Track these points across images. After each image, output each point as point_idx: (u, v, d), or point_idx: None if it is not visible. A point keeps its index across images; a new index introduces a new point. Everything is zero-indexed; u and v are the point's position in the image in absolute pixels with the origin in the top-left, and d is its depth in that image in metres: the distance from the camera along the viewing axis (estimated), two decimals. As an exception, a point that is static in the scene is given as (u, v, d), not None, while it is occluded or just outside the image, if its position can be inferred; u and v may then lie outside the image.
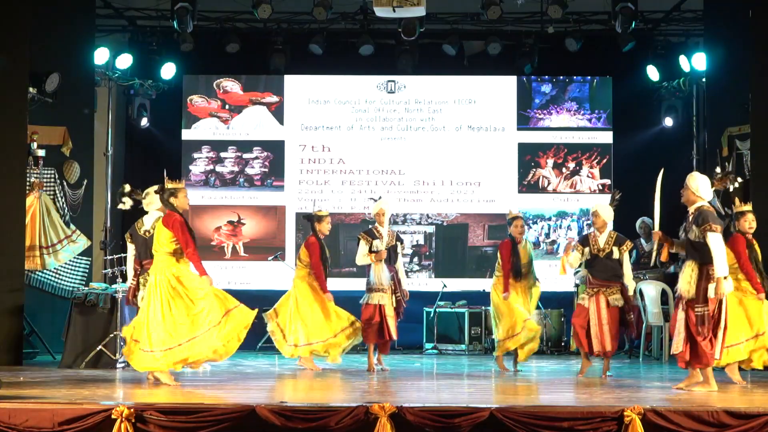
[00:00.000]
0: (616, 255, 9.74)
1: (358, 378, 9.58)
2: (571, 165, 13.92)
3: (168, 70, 13.81)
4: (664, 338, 11.33)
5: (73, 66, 12.07)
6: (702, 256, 8.28)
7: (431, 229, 13.95)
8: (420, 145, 13.95)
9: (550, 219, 13.85)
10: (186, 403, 7.18)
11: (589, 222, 12.49)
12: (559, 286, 12.72)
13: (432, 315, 12.78)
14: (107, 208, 13.44)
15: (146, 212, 9.76)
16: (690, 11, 13.28)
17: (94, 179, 12.55)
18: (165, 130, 14.13)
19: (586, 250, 9.82)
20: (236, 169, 13.97)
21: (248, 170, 13.97)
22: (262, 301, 13.08)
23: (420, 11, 11.01)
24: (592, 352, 9.71)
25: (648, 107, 14.00)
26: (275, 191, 13.95)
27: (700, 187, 8.46)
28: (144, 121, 13.99)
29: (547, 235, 13.76)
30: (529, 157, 13.94)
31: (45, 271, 11.88)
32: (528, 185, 13.91)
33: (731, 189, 9.12)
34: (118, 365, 10.17)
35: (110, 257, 11.33)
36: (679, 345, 8.36)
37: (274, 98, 14.03)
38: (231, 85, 14.04)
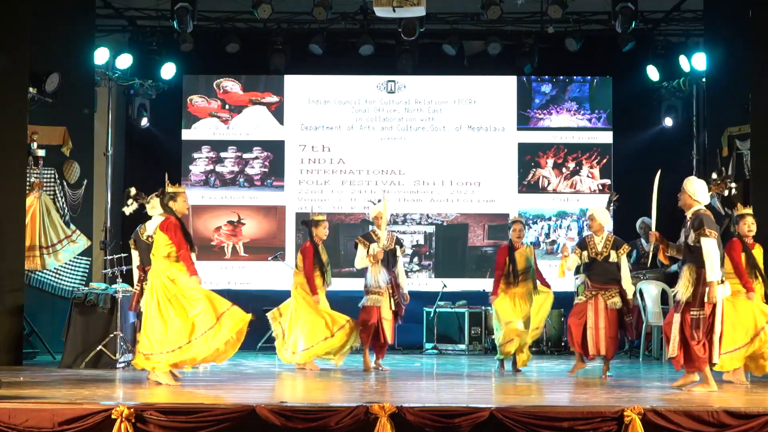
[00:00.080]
0: (613, 258, 9.75)
1: (358, 378, 9.58)
2: (571, 165, 13.92)
3: (168, 70, 13.81)
4: (664, 339, 11.32)
5: (73, 66, 12.07)
6: (699, 260, 8.30)
7: (431, 229, 13.95)
8: (420, 145, 13.95)
9: (550, 219, 13.85)
10: (186, 403, 7.18)
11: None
12: (559, 287, 12.69)
13: (432, 315, 12.78)
14: (107, 208, 13.45)
15: (150, 217, 9.78)
16: (690, 11, 13.28)
17: (94, 179, 12.55)
18: (165, 130, 14.12)
19: (584, 253, 9.83)
20: (236, 169, 13.97)
21: (248, 170, 13.97)
22: (262, 301, 13.12)
23: (420, 11, 11.01)
24: (587, 354, 9.71)
25: (648, 107, 14.00)
26: (275, 191, 13.95)
27: (697, 191, 8.48)
28: (144, 121, 13.99)
29: (547, 235, 13.76)
30: (529, 157, 13.94)
31: (45, 271, 11.88)
32: (528, 185, 13.91)
33: (726, 194, 9.11)
34: (118, 365, 10.18)
35: (110, 257, 11.32)
36: (674, 349, 8.39)
37: (274, 98, 14.03)
38: (231, 85, 14.04)
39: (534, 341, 11.13)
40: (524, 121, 13.95)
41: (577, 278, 11.39)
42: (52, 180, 12.00)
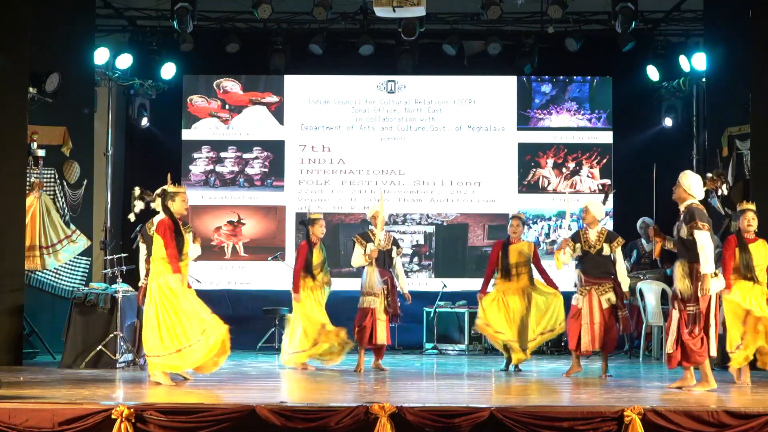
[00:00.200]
0: (607, 251, 9.76)
1: (358, 378, 9.57)
2: (571, 165, 13.92)
3: (168, 70, 13.81)
4: (664, 338, 11.33)
5: (73, 66, 12.07)
6: (691, 254, 8.32)
7: (431, 229, 13.95)
8: (420, 145, 13.95)
9: (550, 219, 13.85)
10: (186, 403, 7.18)
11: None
12: (559, 287, 12.70)
13: (432, 315, 12.78)
14: (107, 208, 13.45)
15: (157, 213, 9.79)
16: (690, 11, 13.28)
17: (94, 179, 12.55)
18: (165, 130, 14.12)
19: (577, 246, 9.83)
20: (236, 169, 13.97)
21: (248, 170, 13.97)
22: (262, 301, 13.16)
23: (420, 11, 11.01)
24: (580, 352, 9.70)
25: (648, 107, 13.99)
26: (275, 191, 13.95)
27: (692, 185, 8.49)
28: (144, 121, 13.99)
29: (547, 235, 13.75)
30: (529, 157, 13.94)
31: (45, 271, 11.88)
32: (528, 185, 13.91)
33: (720, 193, 9.10)
34: (118, 365, 10.18)
35: (110, 257, 11.33)
36: (670, 345, 8.40)
37: (274, 98, 14.03)
38: (231, 85, 14.04)
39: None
40: (524, 121, 13.95)
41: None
42: (52, 180, 12.00)
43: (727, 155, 11.96)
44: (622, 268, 9.82)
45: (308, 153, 13.98)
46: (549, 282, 10.40)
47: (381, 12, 10.90)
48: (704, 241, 8.25)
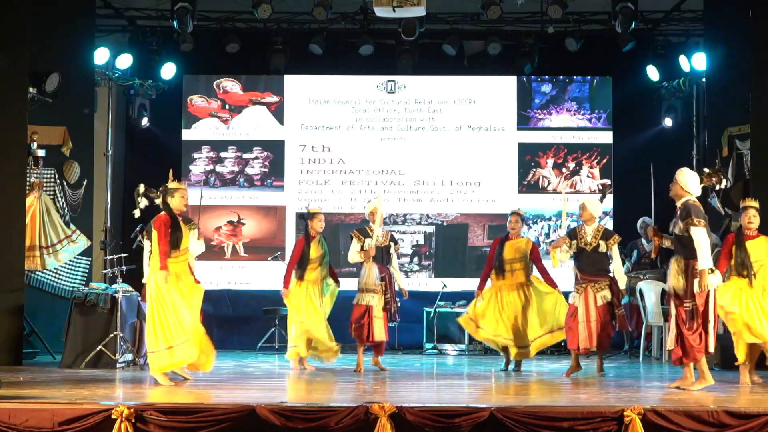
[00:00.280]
0: (603, 249, 9.75)
1: (357, 378, 9.57)
2: (571, 165, 13.92)
3: (168, 70, 13.82)
4: (664, 338, 11.33)
5: (73, 66, 12.07)
6: (687, 251, 8.33)
7: (431, 229, 13.95)
8: (420, 145, 13.95)
9: (550, 219, 13.85)
10: (186, 403, 7.18)
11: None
12: (561, 286, 12.70)
13: (432, 315, 12.78)
14: (107, 208, 13.45)
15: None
16: (690, 11, 13.28)
17: (94, 179, 12.56)
18: (165, 130, 14.13)
19: (573, 243, 9.83)
20: (236, 169, 13.97)
21: (248, 170, 13.97)
22: (262, 301, 13.16)
23: (420, 11, 11.01)
24: (578, 349, 9.70)
25: (648, 107, 14.00)
26: (275, 191, 13.95)
27: (688, 182, 8.50)
28: (144, 121, 13.99)
29: (547, 235, 13.75)
30: (529, 157, 13.94)
31: (45, 271, 11.89)
32: (528, 185, 13.92)
33: (718, 187, 9.10)
34: (118, 365, 10.18)
35: (110, 257, 11.33)
36: (672, 341, 8.42)
37: (274, 98, 14.03)
38: (231, 85, 14.04)
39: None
40: (524, 121, 13.96)
41: None
42: (52, 180, 12.01)
43: (727, 155, 11.97)
44: (618, 265, 9.82)
45: (308, 153, 13.98)
46: (548, 280, 10.36)
47: (381, 12, 10.91)
48: (700, 237, 8.26)
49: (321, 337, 10.35)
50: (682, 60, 13.38)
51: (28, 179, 11.37)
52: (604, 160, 13.88)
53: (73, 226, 12.14)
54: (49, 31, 11.60)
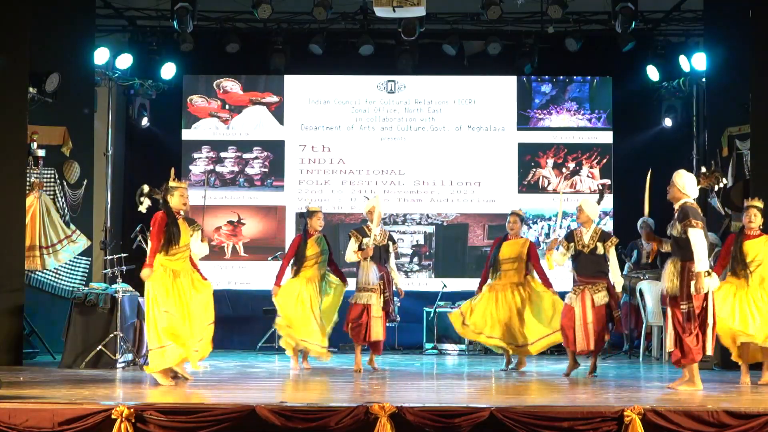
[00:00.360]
0: (600, 251, 9.75)
1: (358, 378, 9.57)
2: (571, 165, 13.92)
3: (168, 70, 13.82)
4: (664, 338, 11.33)
5: (73, 66, 12.07)
6: (684, 253, 8.34)
7: (431, 229, 13.95)
8: (420, 145, 13.95)
9: (550, 219, 13.85)
10: (186, 403, 7.18)
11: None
12: (558, 287, 12.70)
13: (432, 315, 12.78)
14: (107, 208, 13.45)
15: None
16: (690, 11, 13.28)
17: (94, 179, 12.56)
18: (165, 130, 14.13)
19: (571, 245, 9.83)
20: (236, 169, 13.97)
21: (248, 170, 13.97)
22: (262, 301, 13.14)
23: (420, 11, 11.01)
24: (575, 349, 9.69)
25: (648, 107, 14.00)
26: (275, 191, 13.95)
27: (686, 185, 8.51)
28: (144, 121, 13.99)
29: (547, 235, 13.74)
30: (529, 157, 13.94)
31: (45, 271, 11.89)
32: (528, 185, 13.92)
33: (716, 188, 9.11)
34: (118, 365, 10.18)
35: (110, 257, 11.33)
36: (671, 343, 8.43)
37: (274, 98, 14.03)
38: (231, 85, 14.04)
39: None
40: (524, 121, 13.96)
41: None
42: (52, 180, 12.01)
43: (727, 155, 11.97)
44: (615, 266, 9.80)
45: (308, 153, 13.98)
46: (544, 281, 10.36)
47: (381, 12, 10.91)
48: (697, 239, 8.27)
49: (303, 337, 10.31)
50: (682, 60, 13.37)
51: (28, 179, 11.37)
52: (604, 160, 13.88)
53: (73, 226, 12.14)
54: (49, 31, 11.60)
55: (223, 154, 13.98)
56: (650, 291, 11.69)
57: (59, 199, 12.03)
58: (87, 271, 12.25)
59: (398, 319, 11.35)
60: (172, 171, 9.10)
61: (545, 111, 13.97)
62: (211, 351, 9.09)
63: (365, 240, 10.28)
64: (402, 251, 13.61)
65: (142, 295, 9.76)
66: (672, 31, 13.89)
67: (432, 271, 13.91)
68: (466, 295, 12.95)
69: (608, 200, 13.73)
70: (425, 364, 11.34)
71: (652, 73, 13.66)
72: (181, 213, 8.98)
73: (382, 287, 10.24)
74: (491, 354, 11.99)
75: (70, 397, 7.48)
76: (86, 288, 10.93)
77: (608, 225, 13.69)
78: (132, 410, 6.72)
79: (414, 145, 13.95)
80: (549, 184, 13.91)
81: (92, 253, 12.47)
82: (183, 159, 13.87)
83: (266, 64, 13.76)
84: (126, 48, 13.72)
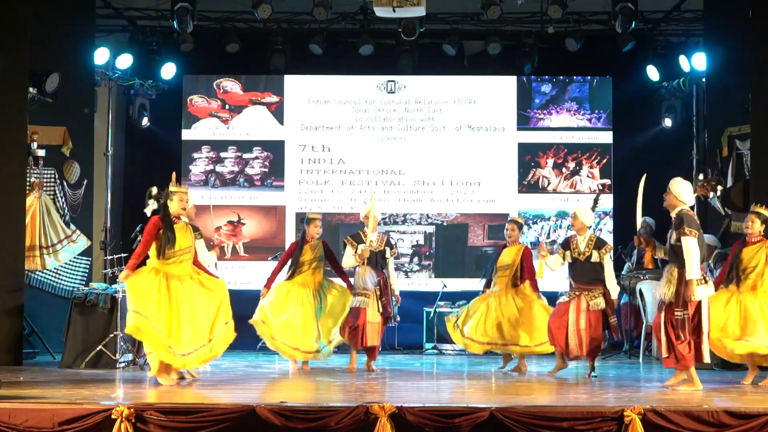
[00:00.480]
0: (596, 258, 9.74)
1: (358, 378, 9.58)
2: (571, 165, 13.92)
3: (168, 70, 13.81)
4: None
5: (73, 66, 12.08)
6: (681, 260, 8.36)
7: (431, 229, 13.95)
8: (420, 145, 13.95)
9: (549, 219, 13.85)
10: (186, 403, 7.18)
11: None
12: (556, 286, 12.70)
13: (432, 315, 12.77)
14: (107, 208, 13.44)
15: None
16: (690, 11, 13.28)
17: (94, 179, 12.56)
18: (165, 130, 14.12)
19: (567, 253, 9.83)
20: (236, 169, 13.97)
21: (248, 170, 13.97)
22: (262, 301, 13.13)
23: (420, 11, 11.01)
24: (568, 355, 9.69)
25: (648, 107, 13.99)
26: (275, 191, 13.95)
27: (682, 192, 8.54)
28: (144, 121, 13.99)
29: (548, 235, 13.74)
30: (529, 157, 13.94)
31: (45, 271, 11.89)
32: (528, 185, 13.92)
33: (711, 197, 9.13)
34: (118, 365, 10.18)
35: (110, 257, 11.33)
36: (664, 350, 8.45)
37: (274, 98, 14.03)
38: (231, 85, 14.04)
39: None
40: (524, 121, 13.95)
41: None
42: (52, 180, 12.01)
43: (727, 155, 11.97)
44: (610, 273, 9.80)
45: (308, 153, 13.98)
46: (533, 287, 10.37)
47: (381, 12, 10.91)
48: (691, 246, 8.31)
49: (283, 340, 10.29)
50: (682, 60, 13.37)
51: (28, 179, 11.37)
52: (604, 160, 13.88)
53: (73, 226, 12.14)
54: (49, 31, 11.60)
55: (223, 154, 13.97)
56: (650, 291, 11.68)
57: (59, 199, 12.03)
58: (87, 271, 12.25)
59: (398, 319, 11.34)
60: (174, 175, 9.10)
61: (545, 111, 13.97)
62: (225, 350, 9.07)
63: (360, 246, 10.27)
64: (402, 251, 13.61)
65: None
66: (672, 31, 13.89)
67: (432, 271, 13.91)
68: (466, 295, 12.98)
69: (608, 200, 13.73)
70: (425, 364, 11.34)
71: (652, 73, 13.65)
72: (182, 218, 8.98)
73: (378, 292, 10.23)
74: (491, 354, 11.98)
75: (70, 397, 7.48)
76: (86, 288, 10.93)
77: (608, 225, 13.69)
78: (132, 410, 6.73)
79: (414, 145, 13.95)
80: (549, 184, 13.91)
81: (92, 253, 12.47)
82: (183, 159, 13.87)
83: (266, 64, 13.76)
84: (126, 48, 13.72)
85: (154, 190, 9.06)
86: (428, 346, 12.76)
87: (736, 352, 9.00)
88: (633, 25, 12.39)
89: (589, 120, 13.96)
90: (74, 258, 12.14)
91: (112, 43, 13.52)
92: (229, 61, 13.85)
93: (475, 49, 13.96)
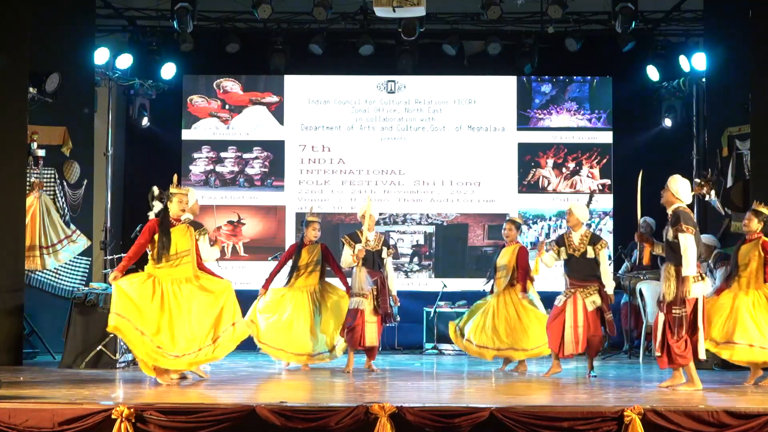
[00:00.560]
0: (591, 254, 9.73)
1: (358, 378, 9.58)
2: (571, 165, 13.92)
3: (168, 70, 13.81)
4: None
5: (73, 66, 12.08)
6: (678, 258, 8.36)
7: (431, 229, 13.95)
8: (420, 145, 13.95)
9: (550, 219, 13.85)
10: (186, 403, 7.18)
11: (589, 222, 12.45)
12: (555, 286, 12.71)
13: (432, 315, 12.77)
14: (107, 208, 13.44)
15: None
16: (690, 11, 13.28)
17: (94, 179, 12.56)
18: (165, 130, 14.12)
19: (562, 250, 9.83)
20: (236, 169, 13.97)
21: (248, 170, 13.97)
22: (262, 301, 13.12)
23: (420, 11, 11.01)
24: (563, 353, 9.66)
25: (648, 107, 14.00)
26: (275, 191, 13.95)
27: (680, 190, 8.55)
28: (144, 121, 13.99)
29: (547, 236, 13.72)
30: (529, 157, 13.94)
31: (45, 271, 11.89)
32: (528, 185, 13.92)
33: (708, 198, 9.13)
34: (118, 365, 10.18)
35: (110, 257, 11.33)
36: (658, 347, 8.46)
37: (274, 98, 14.03)
38: (231, 85, 14.04)
39: None
40: (524, 121, 13.96)
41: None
42: (52, 180, 12.01)
43: (727, 155, 11.97)
44: (606, 269, 9.77)
45: (308, 153, 13.98)
46: (522, 288, 10.40)
47: (381, 12, 10.91)
48: (687, 243, 8.31)
49: (273, 343, 10.32)
50: (682, 60, 13.37)
51: (28, 179, 11.37)
52: (604, 160, 13.88)
53: (73, 226, 12.14)
54: (49, 31, 11.60)
55: (223, 154, 13.98)
56: (650, 291, 11.68)
57: (59, 199, 12.03)
58: (87, 271, 12.25)
59: (398, 319, 11.34)
60: (175, 177, 9.10)
61: (545, 111, 13.97)
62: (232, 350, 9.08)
63: (357, 246, 10.26)
64: (402, 251, 13.62)
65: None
66: (672, 31, 13.89)
67: (432, 271, 13.91)
68: (466, 295, 13.03)
69: (608, 200, 13.74)
70: (425, 364, 11.34)
71: (652, 73, 13.66)
72: (183, 218, 8.98)
73: (375, 293, 10.21)
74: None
75: (70, 397, 7.48)
76: (86, 288, 10.93)
77: (608, 225, 13.70)
78: (132, 410, 6.73)
79: (414, 145, 13.95)
80: (549, 184, 13.91)
81: (92, 253, 12.47)
82: (183, 159, 13.87)
83: (266, 64, 13.76)
84: (126, 48, 13.72)
85: (156, 190, 9.07)
86: (428, 346, 12.76)
87: (734, 359, 9.01)
88: (633, 25, 12.39)
89: (589, 120, 13.96)
90: (74, 258, 12.14)
91: (112, 43, 13.52)
92: (229, 61, 13.85)
93: (475, 49, 13.96)
